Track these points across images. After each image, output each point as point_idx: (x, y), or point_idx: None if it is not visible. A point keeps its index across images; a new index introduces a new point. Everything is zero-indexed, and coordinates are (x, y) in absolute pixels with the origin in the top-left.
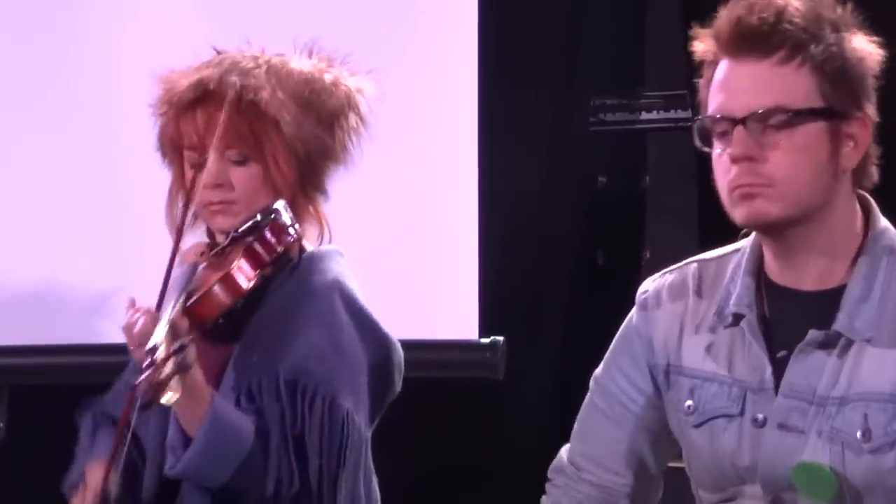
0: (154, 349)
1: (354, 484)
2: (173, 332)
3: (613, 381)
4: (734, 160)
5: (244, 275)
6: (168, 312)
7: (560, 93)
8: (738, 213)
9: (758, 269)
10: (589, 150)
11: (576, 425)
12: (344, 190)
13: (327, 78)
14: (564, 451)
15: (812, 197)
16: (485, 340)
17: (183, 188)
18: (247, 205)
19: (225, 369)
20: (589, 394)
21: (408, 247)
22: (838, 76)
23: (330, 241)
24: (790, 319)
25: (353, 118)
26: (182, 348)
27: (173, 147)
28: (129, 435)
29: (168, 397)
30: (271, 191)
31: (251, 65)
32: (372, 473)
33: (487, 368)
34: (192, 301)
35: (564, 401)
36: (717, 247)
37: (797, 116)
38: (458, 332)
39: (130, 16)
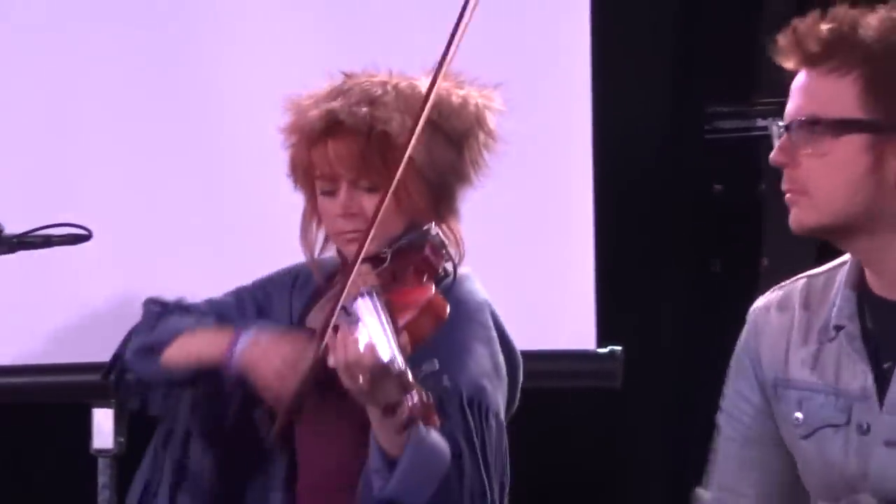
0: (403, 372)
1: None
2: (404, 353)
3: (733, 403)
4: (771, 164)
5: (442, 302)
6: (391, 337)
7: (674, 101)
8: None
9: (859, 281)
10: (704, 158)
11: (710, 459)
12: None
13: (455, 98)
14: (703, 493)
15: (851, 207)
16: (602, 350)
17: (316, 214)
18: (381, 232)
19: None
20: (717, 425)
21: (524, 258)
22: (886, 89)
23: (461, 261)
24: (893, 331)
25: (482, 136)
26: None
27: (304, 174)
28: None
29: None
30: (404, 217)
31: (379, 91)
32: None
33: (605, 378)
34: (404, 324)
35: (682, 409)
36: (835, 253)
37: (831, 127)
38: (575, 342)
39: (248, 32)
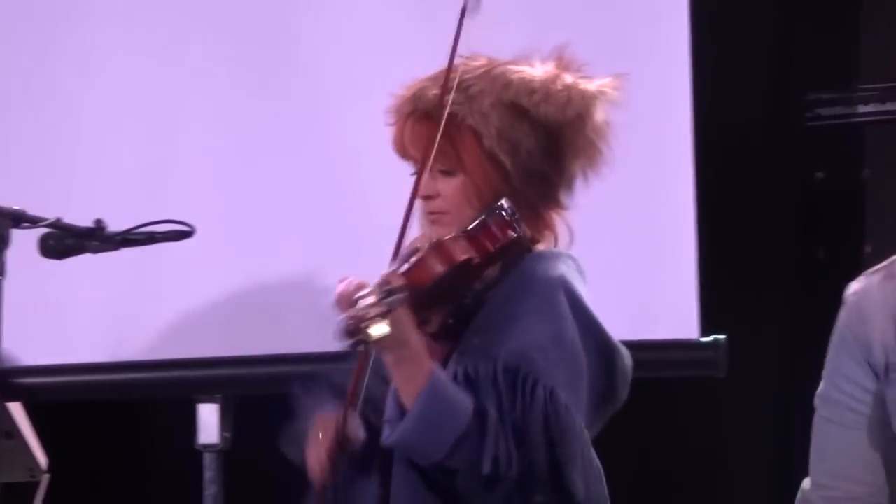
0: (361, 298)
1: (585, 476)
2: (383, 282)
3: (838, 389)
4: None
5: (459, 247)
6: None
7: (775, 89)
8: None
9: None
10: (805, 145)
11: (811, 450)
12: None
13: (558, 86)
14: (806, 482)
15: None
16: (706, 339)
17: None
18: (457, 215)
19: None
20: (815, 415)
21: (626, 248)
22: None
23: (568, 248)
24: None
25: (587, 125)
26: (391, 292)
27: (399, 156)
28: (363, 388)
29: (375, 330)
30: (478, 200)
31: (468, 76)
32: (601, 474)
33: (709, 367)
34: (406, 266)
35: (787, 398)
36: None
37: None
38: (678, 331)
39: (348, 26)
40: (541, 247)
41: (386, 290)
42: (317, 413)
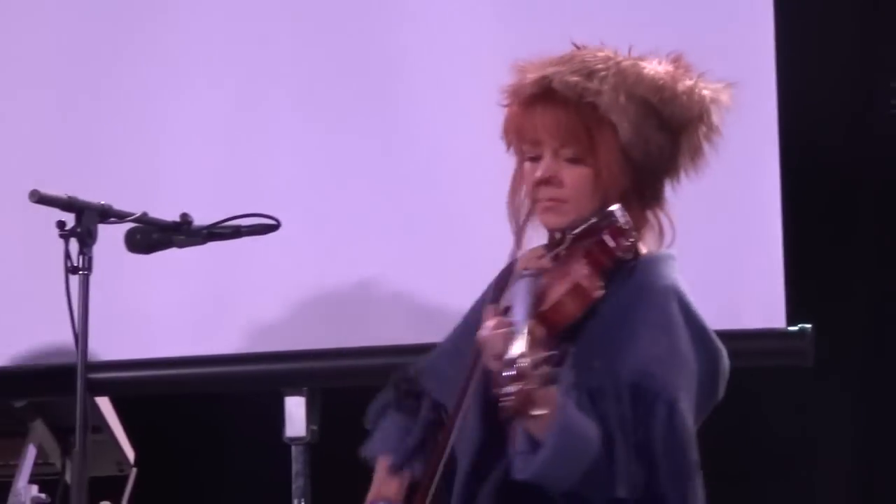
0: (514, 360)
1: (701, 491)
2: (533, 342)
3: None
4: None
5: (590, 283)
6: (523, 323)
7: (859, 78)
8: None
9: None
10: (890, 134)
11: None
12: None
13: (681, 86)
14: None
15: None
16: (792, 328)
17: (522, 181)
18: (576, 205)
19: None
20: None
21: (714, 239)
22: None
23: (670, 246)
24: None
25: (703, 128)
26: (547, 360)
27: (515, 137)
28: (448, 452)
29: (538, 411)
30: (601, 194)
31: (599, 66)
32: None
33: (796, 356)
34: (543, 309)
35: (874, 387)
36: None
37: None
38: (764, 320)
39: (428, 16)
40: (644, 248)
41: (542, 356)
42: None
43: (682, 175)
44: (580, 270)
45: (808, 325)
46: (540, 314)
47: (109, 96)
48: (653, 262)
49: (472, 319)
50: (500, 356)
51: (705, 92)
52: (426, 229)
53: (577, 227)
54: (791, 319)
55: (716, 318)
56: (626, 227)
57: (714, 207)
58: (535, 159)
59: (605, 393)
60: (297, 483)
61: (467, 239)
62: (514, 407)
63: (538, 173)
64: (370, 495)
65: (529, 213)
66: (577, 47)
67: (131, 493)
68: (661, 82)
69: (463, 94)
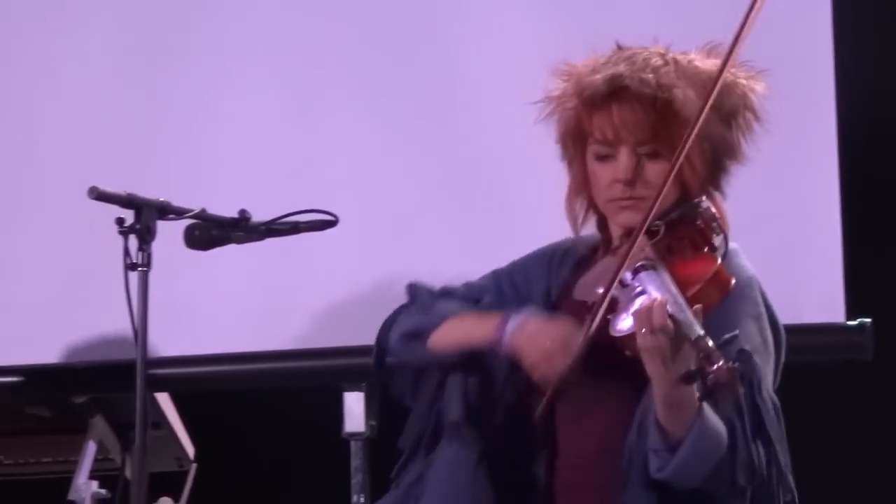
0: (699, 341)
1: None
2: (697, 320)
3: None
4: None
5: (722, 274)
6: (682, 305)
7: None
8: None
9: None
10: None
11: None
12: None
13: (728, 76)
14: None
15: None
16: (852, 323)
17: (586, 183)
18: (658, 200)
19: None
20: None
21: (773, 232)
22: None
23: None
24: None
25: (748, 116)
26: (727, 344)
27: (579, 140)
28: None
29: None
30: (679, 188)
31: (660, 62)
32: None
33: (856, 351)
34: (693, 295)
35: None
36: None
37: None
38: (823, 315)
39: (484, 15)
40: (717, 240)
41: (723, 342)
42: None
43: (737, 166)
44: (709, 260)
45: (868, 320)
46: (692, 299)
47: (168, 94)
48: (734, 255)
49: (508, 286)
50: (680, 334)
51: (743, 81)
52: (483, 223)
53: (665, 218)
54: (850, 314)
55: (777, 312)
56: (714, 216)
57: (773, 202)
58: (605, 158)
59: None
60: (356, 478)
61: (524, 233)
62: (726, 383)
63: (621, 173)
64: (484, 328)
65: (585, 218)
66: (620, 47)
67: (191, 488)
68: (710, 74)
69: (519, 87)
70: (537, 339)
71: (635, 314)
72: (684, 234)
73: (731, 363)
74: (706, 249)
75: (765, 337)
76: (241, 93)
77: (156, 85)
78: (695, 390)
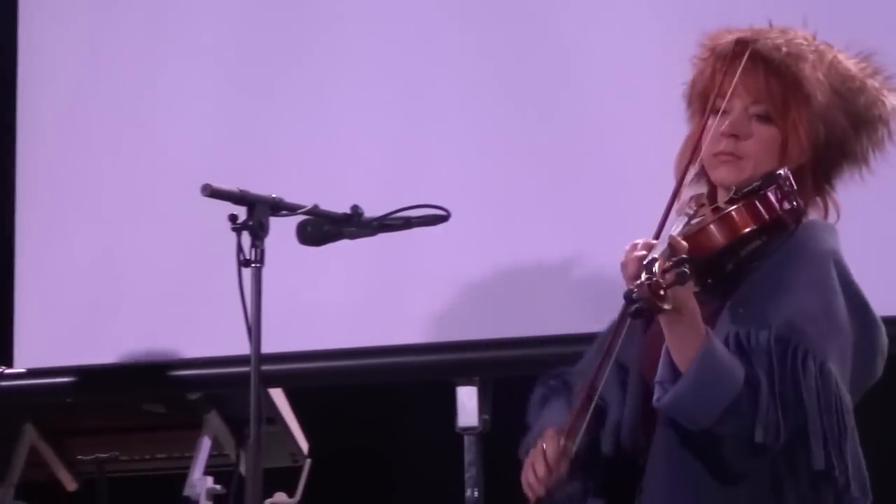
0: (651, 262)
1: (858, 453)
2: (671, 249)
3: None
4: None
5: (742, 219)
6: (664, 241)
7: None
8: None
9: None
10: None
11: None
12: None
13: (870, 83)
14: None
15: None
16: None
17: (699, 139)
18: (755, 163)
19: (714, 326)
20: None
21: (878, 224)
22: None
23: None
24: None
25: (881, 130)
26: (682, 262)
27: (702, 94)
28: (596, 397)
29: (666, 301)
30: (781, 158)
31: (801, 41)
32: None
33: None
34: (689, 230)
35: None
36: None
37: None
38: None
39: (594, 4)
40: (811, 217)
41: (677, 258)
42: (539, 426)
43: (855, 169)
44: (736, 207)
45: None
46: (685, 235)
47: (281, 91)
48: (813, 227)
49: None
50: (635, 275)
51: (887, 100)
52: (596, 217)
53: (741, 190)
54: None
55: (883, 303)
56: (790, 189)
57: (881, 193)
58: (721, 114)
59: (752, 341)
60: (470, 472)
61: (637, 227)
62: (641, 296)
63: (725, 126)
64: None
65: (690, 164)
66: (771, 25)
67: (305, 483)
68: (852, 73)
69: (631, 82)
70: (528, 467)
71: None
72: (745, 198)
73: (656, 282)
74: (755, 211)
75: (830, 310)
76: (353, 89)
77: (269, 82)
78: (698, 320)
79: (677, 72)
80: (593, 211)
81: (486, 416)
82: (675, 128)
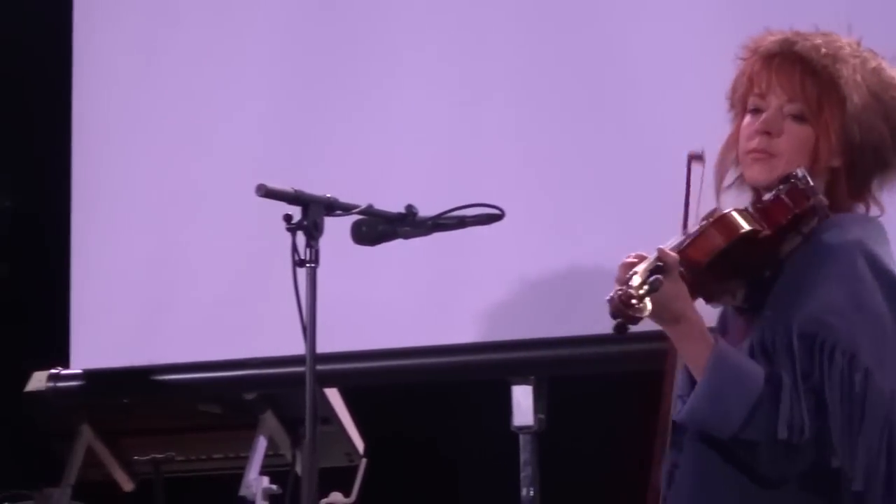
0: (632, 275)
1: (877, 450)
2: (656, 259)
3: None
4: None
5: (744, 219)
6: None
7: None
8: None
9: None
10: None
11: None
12: None
13: None
14: None
15: None
16: None
17: (737, 139)
18: (786, 161)
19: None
20: None
21: None
22: None
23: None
24: None
25: None
26: (657, 269)
27: (742, 97)
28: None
29: (636, 311)
30: (813, 159)
31: (844, 45)
32: None
33: None
34: (686, 242)
35: None
36: None
37: None
38: None
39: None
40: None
41: (651, 268)
42: None
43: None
44: (736, 209)
45: None
46: (678, 246)
47: (333, 91)
48: (837, 222)
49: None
50: (622, 280)
51: None
52: (649, 217)
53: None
54: None
55: None
56: (805, 186)
57: None
58: (757, 112)
59: (776, 341)
60: (526, 472)
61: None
62: (613, 309)
63: (758, 123)
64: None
65: (723, 166)
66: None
67: (361, 483)
68: (894, 82)
69: (685, 83)
70: None
71: None
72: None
73: (626, 291)
74: (771, 215)
75: (859, 301)
76: (407, 88)
77: (323, 82)
78: (703, 334)
79: (729, 72)
80: (647, 210)
81: (542, 416)
82: (727, 128)
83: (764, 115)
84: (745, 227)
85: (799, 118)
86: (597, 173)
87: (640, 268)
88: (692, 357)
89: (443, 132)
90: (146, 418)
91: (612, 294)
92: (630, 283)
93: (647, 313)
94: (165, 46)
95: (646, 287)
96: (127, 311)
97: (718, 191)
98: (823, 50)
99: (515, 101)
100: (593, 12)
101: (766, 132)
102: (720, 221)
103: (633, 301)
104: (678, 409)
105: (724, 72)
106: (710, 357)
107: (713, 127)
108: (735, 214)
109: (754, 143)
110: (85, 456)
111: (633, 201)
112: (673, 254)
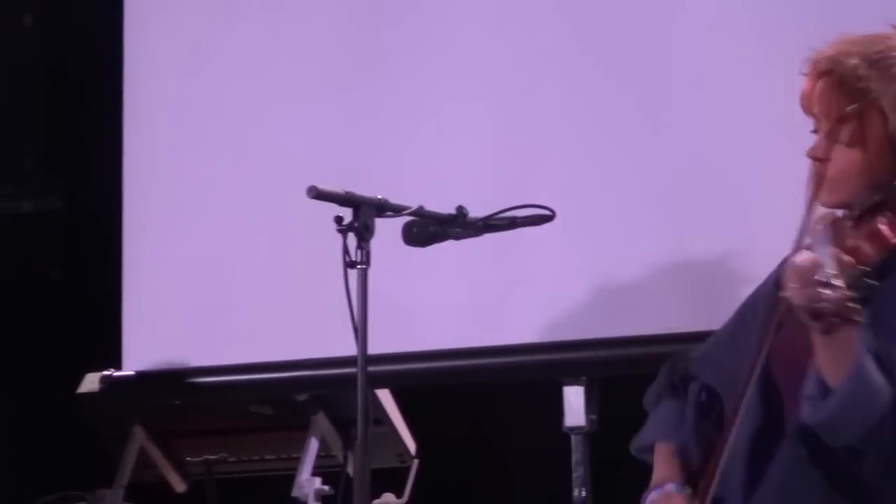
0: (828, 279)
1: None
2: (841, 264)
3: None
4: None
5: (887, 233)
6: (827, 253)
7: None
8: None
9: None
10: None
11: None
12: None
13: None
14: None
15: None
16: None
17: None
18: (842, 185)
19: None
20: None
21: None
22: None
23: None
24: None
25: None
26: (863, 274)
27: (806, 111)
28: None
29: (858, 318)
30: (868, 179)
31: (888, 56)
32: None
33: None
34: (844, 247)
35: None
36: None
37: None
38: None
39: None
40: None
41: (856, 272)
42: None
43: None
44: (878, 221)
45: None
46: (845, 253)
47: (386, 92)
48: None
49: (749, 311)
50: (807, 282)
51: None
52: (703, 218)
53: (860, 204)
54: None
55: None
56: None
57: None
58: (815, 133)
59: (893, 357)
60: (577, 472)
61: (743, 227)
62: (832, 311)
63: (810, 150)
64: (654, 480)
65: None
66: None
67: (413, 484)
68: None
69: (741, 85)
70: None
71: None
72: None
73: (843, 299)
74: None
75: None
76: (458, 89)
77: (375, 84)
78: (854, 337)
79: (791, 75)
80: (701, 211)
81: (594, 416)
82: (785, 131)
83: (815, 141)
84: (892, 239)
85: (849, 143)
86: (648, 174)
87: (832, 271)
88: (834, 361)
89: (494, 133)
90: (198, 419)
91: (828, 294)
92: (834, 284)
93: (861, 317)
94: (216, 47)
95: (858, 293)
96: (178, 313)
97: (809, 207)
98: (860, 70)
99: (567, 100)
100: (650, 10)
101: (815, 158)
102: (874, 236)
103: (848, 306)
104: (807, 411)
105: (786, 77)
106: (854, 367)
107: (771, 127)
108: (884, 226)
109: (813, 167)
110: (137, 457)
111: (685, 202)
112: (846, 258)
